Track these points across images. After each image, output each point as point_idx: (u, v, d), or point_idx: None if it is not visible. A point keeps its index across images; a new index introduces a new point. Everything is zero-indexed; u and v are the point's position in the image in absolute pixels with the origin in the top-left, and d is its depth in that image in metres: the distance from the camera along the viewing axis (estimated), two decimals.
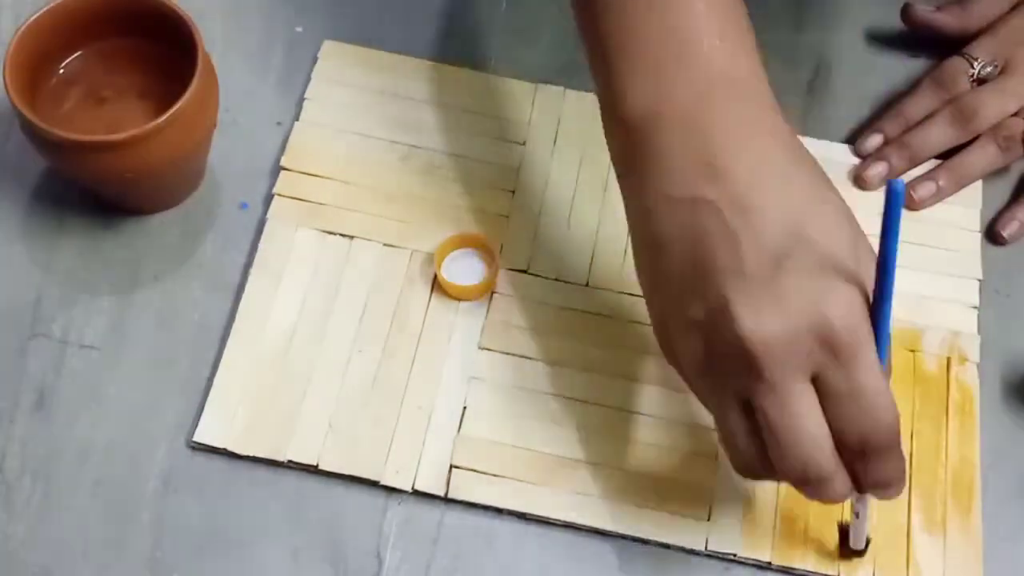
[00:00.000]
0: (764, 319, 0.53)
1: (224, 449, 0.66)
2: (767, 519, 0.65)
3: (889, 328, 0.55)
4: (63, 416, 0.67)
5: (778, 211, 0.54)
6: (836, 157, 0.76)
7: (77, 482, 0.66)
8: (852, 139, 0.77)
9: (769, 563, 0.65)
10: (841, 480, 0.56)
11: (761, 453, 0.56)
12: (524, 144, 0.76)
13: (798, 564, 0.65)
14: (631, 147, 0.59)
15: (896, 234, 0.52)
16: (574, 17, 0.63)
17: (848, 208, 0.57)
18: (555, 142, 0.76)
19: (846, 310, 0.53)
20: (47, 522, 0.65)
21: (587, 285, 0.71)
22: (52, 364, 0.68)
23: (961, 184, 0.75)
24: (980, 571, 0.65)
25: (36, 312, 0.70)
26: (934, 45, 0.79)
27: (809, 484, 0.56)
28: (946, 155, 0.75)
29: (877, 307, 0.54)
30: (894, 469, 0.56)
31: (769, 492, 0.66)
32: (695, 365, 0.57)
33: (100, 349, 0.69)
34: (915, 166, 0.75)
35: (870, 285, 0.55)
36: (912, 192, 0.74)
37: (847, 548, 0.64)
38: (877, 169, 0.75)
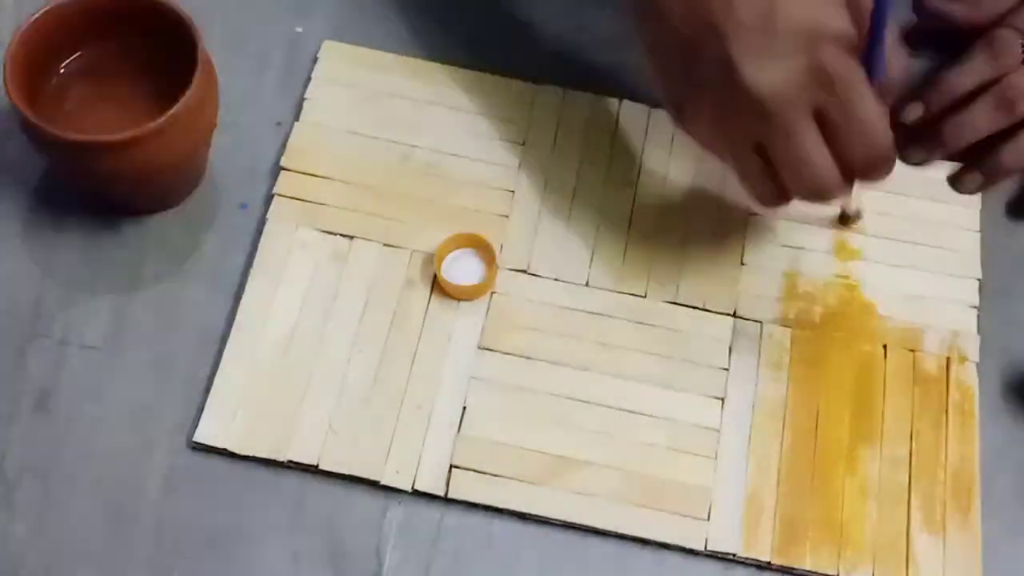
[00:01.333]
0: (765, 67, 0.60)
1: (224, 449, 0.66)
2: (767, 519, 0.65)
3: (884, 49, 0.61)
4: (63, 416, 0.67)
5: None
6: None
7: (77, 482, 0.66)
8: None
9: (769, 563, 0.65)
10: (843, 189, 0.62)
11: (776, 185, 0.63)
12: (524, 144, 0.76)
13: (798, 564, 0.65)
14: None
15: None
16: None
17: None
18: (555, 142, 0.76)
19: (836, 50, 0.59)
20: (47, 522, 0.65)
21: (587, 285, 0.72)
22: (52, 364, 0.68)
23: (1000, 178, 0.74)
24: (980, 571, 0.65)
25: (36, 312, 0.70)
26: (934, 44, 0.79)
27: (818, 198, 0.63)
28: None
29: (873, 31, 0.60)
30: (887, 171, 0.63)
31: (769, 492, 0.66)
32: (709, 123, 0.64)
33: (100, 349, 0.69)
34: (951, 154, 0.74)
35: (863, 12, 0.61)
36: (958, 184, 0.75)
37: (844, 215, 0.73)
38: (914, 156, 0.75)
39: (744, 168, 0.64)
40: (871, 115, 0.60)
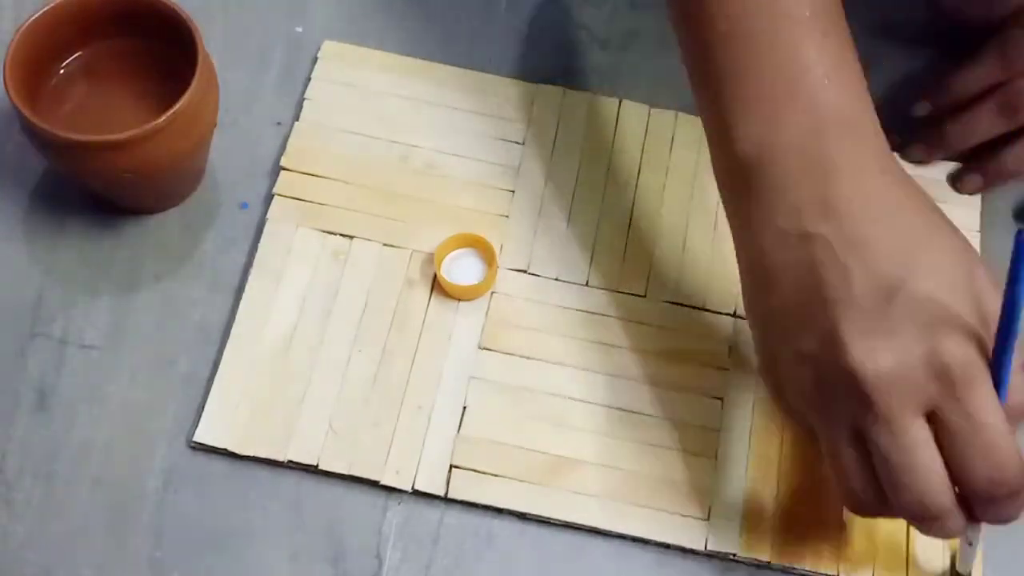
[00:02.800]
0: (876, 350, 0.53)
1: (224, 449, 0.66)
2: (767, 519, 0.65)
3: (1009, 369, 0.54)
4: (63, 416, 0.67)
5: (890, 245, 0.54)
6: None
7: (77, 482, 0.66)
8: None
9: (769, 563, 0.65)
10: (956, 517, 0.55)
11: (875, 487, 0.55)
12: (524, 144, 0.76)
13: (798, 564, 0.65)
14: (742, 180, 0.58)
15: (1022, 281, 0.52)
16: (680, 43, 0.63)
17: (966, 243, 0.57)
18: (555, 142, 0.76)
19: (960, 344, 0.53)
20: (47, 522, 0.65)
21: (587, 285, 0.72)
22: (52, 364, 0.68)
23: (1001, 181, 0.74)
24: (980, 571, 0.65)
25: (36, 312, 0.70)
26: (936, 43, 0.79)
27: (925, 521, 0.55)
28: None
29: (999, 348, 0.53)
30: (1015, 508, 0.55)
31: (769, 492, 0.66)
32: (805, 398, 0.56)
33: (100, 349, 0.69)
34: (953, 155, 0.75)
35: (989, 322, 0.54)
36: (959, 184, 0.74)
37: (955, 573, 0.63)
38: (916, 155, 0.75)
39: (839, 458, 0.55)
40: (997, 427, 0.52)
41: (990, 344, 0.54)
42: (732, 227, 0.61)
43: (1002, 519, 0.55)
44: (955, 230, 0.57)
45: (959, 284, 0.54)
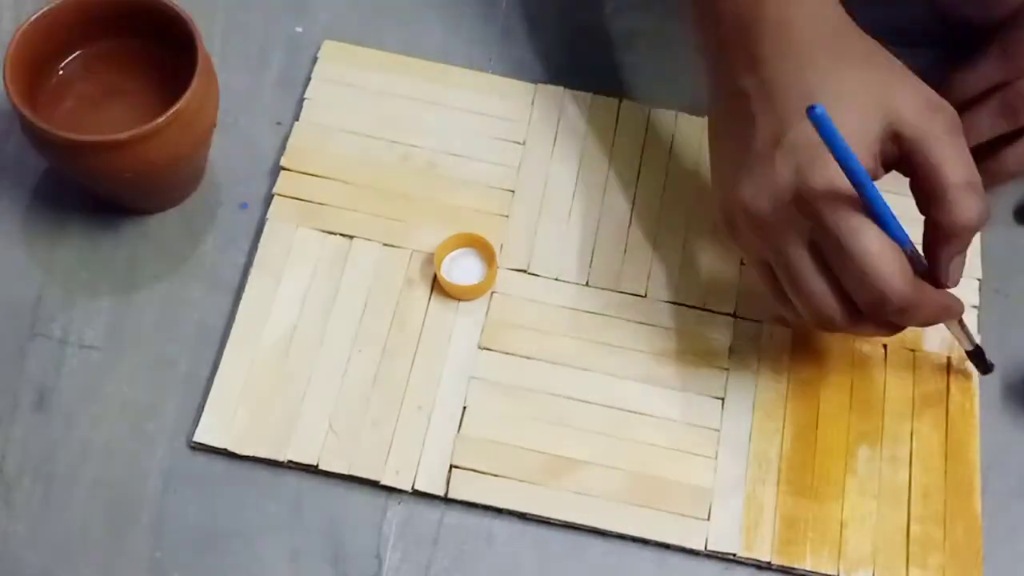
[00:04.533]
0: (756, 193, 0.60)
1: (224, 449, 0.66)
2: (767, 519, 0.65)
3: (880, 204, 0.58)
4: (63, 416, 0.67)
5: (793, 90, 0.60)
6: None
7: (77, 482, 0.66)
8: None
9: (769, 563, 0.65)
10: (850, 324, 0.60)
11: (794, 310, 0.62)
12: (524, 144, 0.76)
13: (798, 564, 0.65)
14: (708, 50, 0.66)
15: (835, 145, 0.56)
16: None
17: (881, 75, 0.60)
18: (555, 142, 0.76)
19: (825, 182, 0.58)
20: (47, 522, 0.65)
21: (587, 285, 0.72)
22: (52, 364, 0.68)
23: (1001, 181, 0.74)
24: (980, 571, 0.65)
25: (36, 312, 0.70)
26: (936, 43, 0.79)
27: (825, 329, 0.62)
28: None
29: (858, 190, 0.58)
30: (911, 319, 0.60)
31: (769, 492, 0.66)
32: (728, 233, 0.64)
33: (100, 349, 0.69)
34: None
35: (904, 137, 0.59)
36: None
37: (973, 357, 0.68)
38: None
39: (764, 284, 0.64)
40: (865, 250, 0.57)
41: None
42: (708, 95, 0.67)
43: (908, 325, 0.61)
44: (874, 63, 0.61)
45: (851, 119, 0.58)
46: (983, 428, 0.68)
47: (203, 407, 0.67)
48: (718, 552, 0.65)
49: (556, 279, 0.72)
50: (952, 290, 0.72)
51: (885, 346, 0.70)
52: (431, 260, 0.71)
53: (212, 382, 0.68)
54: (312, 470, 0.66)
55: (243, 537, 0.65)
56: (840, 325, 0.60)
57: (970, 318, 0.71)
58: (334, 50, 0.78)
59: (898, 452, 0.67)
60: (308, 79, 0.77)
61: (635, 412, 0.68)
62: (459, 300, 0.70)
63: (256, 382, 0.68)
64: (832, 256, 0.58)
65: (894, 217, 0.58)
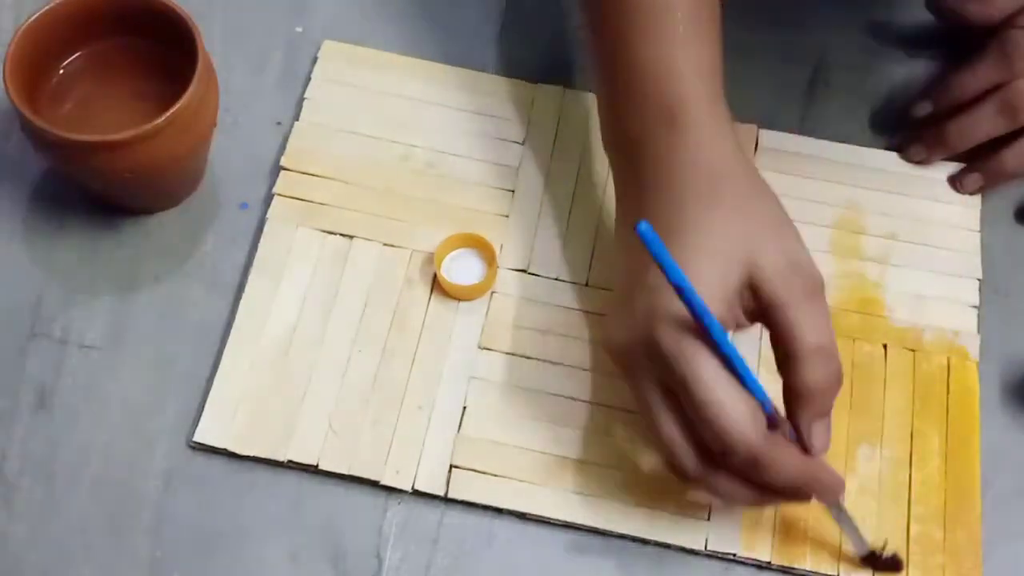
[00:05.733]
0: (615, 331, 0.61)
1: (224, 449, 0.66)
2: (767, 519, 0.65)
3: (731, 353, 0.57)
4: (63, 416, 0.67)
5: (662, 231, 0.57)
6: (834, 156, 0.76)
7: (77, 482, 0.66)
8: (851, 139, 0.77)
9: (769, 563, 0.65)
10: (701, 474, 0.59)
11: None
12: (524, 144, 0.76)
13: (798, 564, 0.65)
14: (614, 170, 0.68)
15: (668, 265, 0.55)
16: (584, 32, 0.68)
17: (752, 225, 0.60)
18: (555, 142, 0.76)
19: (676, 327, 0.57)
20: (47, 522, 0.65)
21: (587, 285, 0.72)
22: (52, 364, 0.68)
23: (1001, 181, 0.75)
24: (980, 571, 0.65)
25: (36, 312, 0.70)
26: (936, 43, 0.79)
27: (678, 475, 0.60)
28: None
29: (715, 347, 0.57)
30: (759, 471, 0.58)
31: None
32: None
33: (100, 349, 0.69)
34: (953, 155, 0.75)
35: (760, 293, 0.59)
36: (959, 184, 0.75)
37: (873, 558, 0.64)
38: (917, 154, 0.75)
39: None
40: (712, 397, 0.56)
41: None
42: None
43: (768, 482, 0.59)
44: (749, 210, 0.61)
45: (709, 269, 0.58)
46: (983, 428, 0.68)
47: (203, 407, 0.67)
48: (718, 552, 0.65)
49: (556, 279, 0.72)
50: (952, 292, 0.72)
51: (885, 346, 0.70)
52: (431, 260, 0.71)
53: (212, 382, 0.68)
54: (312, 470, 0.66)
55: (243, 537, 0.65)
56: (693, 474, 0.59)
57: (970, 318, 0.71)
58: (334, 50, 0.78)
59: (898, 452, 0.67)
60: (308, 79, 0.77)
61: (635, 412, 0.68)
62: (459, 300, 0.70)
63: (256, 382, 0.68)
64: (682, 399, 0.58)
65: (746, 367, 0.57)
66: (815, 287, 0.60)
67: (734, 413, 0.57)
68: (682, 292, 0.55)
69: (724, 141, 0.62)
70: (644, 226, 0.54)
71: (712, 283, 0.58)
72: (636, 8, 0.64)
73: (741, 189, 0.61)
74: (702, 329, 0.56)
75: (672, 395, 0.58)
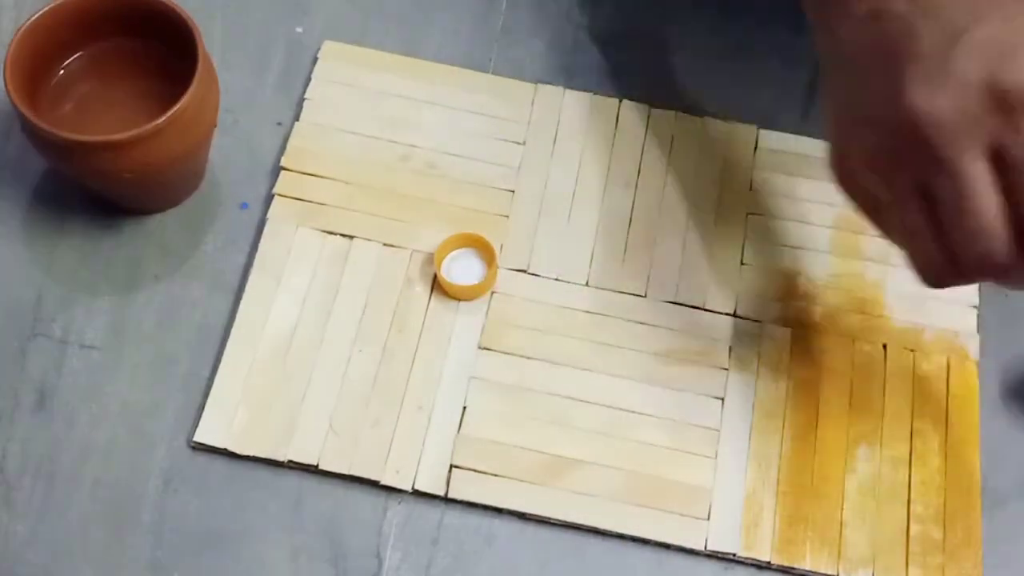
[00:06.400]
0: (934, 92, 0.52)
1: (224, 449, 0.66)
2: (767, 519, 0.65)
3: None
4: (63, 416, 0.67)
5: (958, 3, 0.53)
6: None
7: (77, 482, 0.66)
8: None
9: (769, 563, 0.65)
10: (1014, 261, 0.53)
11: (944, 247, 0.54)
12: (524, 144, 0.76)
13: (798, 564, 0.65)
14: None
15: None
16: None
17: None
18: (555, 142, 0.76)
19: (1020, 72, 0.51)
20: (47, 522, 0.65)
21: (587, 285, 0.72)
22: (52, 364, 0.68)
23: None
24: (980, 571, 0.65)
25: (36, 312, 0.70)
26: None
27: (982, 266, 0.53)
28: None
29: None
30: None
31: (769, 492, 0.66)
32: (872, 163, 0.56)
33: (100, 349, 0.69)
34: None
35: None
36: None
37: None
38: None
39: (906, 222, 0.55)
40: None
41: None
42: (815, 31, 0.60)
43: None
44: None
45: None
46: (983, 428, 0.68)
47: (203, 407, 0.67)
48: (718, 552, 0.65)
49: (556, 279, 0.72)
50: (952, 292, 0.72)
51: (885, 346, 0.70)
52: (431, 260, 0.71)
53: (212, 382, 0.68)
54: (312, 470, 0.66)
55: (243, 537, 0.65)
56: (1000, 260, 0.52)
57: (970, 318, 0.71)
58: (334, 50, 0.78)
59: (898, 452, 0.67)
60: (308, 79, 0.77)
61: (635, 412, 0.68)
62: (459, 300, 0.70)
63: (256, 382, 0.68)
64: (1018, 163, 0.51)
65: None
66: None
67: None
68: None
69: None
70: None
71: None
72: None
73: None
74: None
75: (999, 165, 0.51)
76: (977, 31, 0.52)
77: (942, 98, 0.52)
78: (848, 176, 0.58)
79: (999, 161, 0.52)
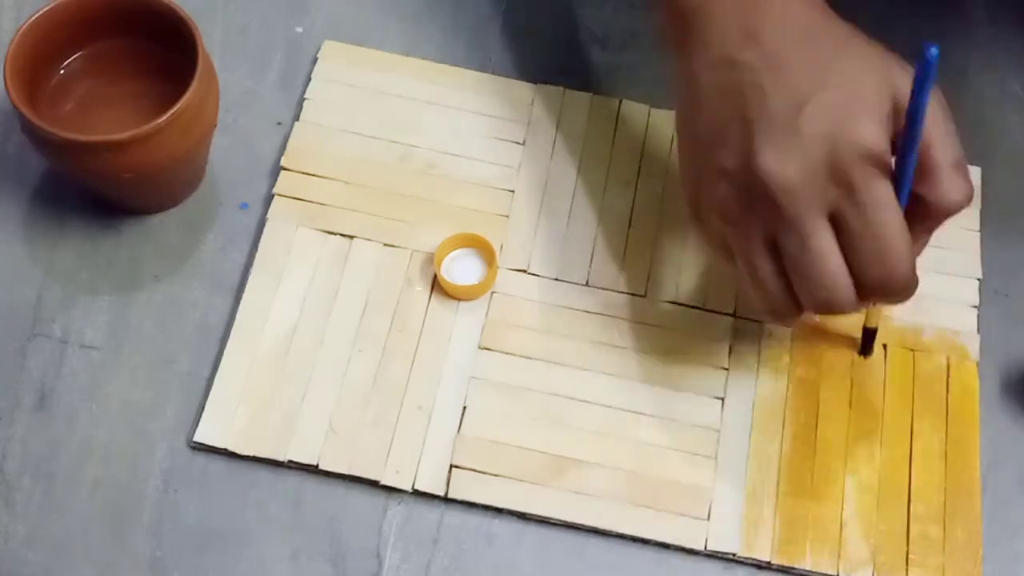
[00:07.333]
0: (782, 158, 0.57)
1: (224, 449, 0.66)
2: (767, 519, 0.65)
3: (911, 175, 0.57)
4: (63, 416, 0.67)
5: (805, 64, 0.58)
6: None
7: (77, 482, 0.66)
8: None
9: (769, 563, 0.65)
10: (854, 306, 0.59)
11: (787, 290, 0.59)
12: (524, 144, 0.76)
13: (798, 564, 0.65)
14: (679, 22, 0.63)
15: (925, 90, 0.55)
16: None
17: (882, 53, 0.59)
18: (555, 142, 0.76)
19: (862, 156, 0.56)
20: (47, 522, 0.65)
21: (587, 285, 0.72)
22: (52, 364, 0.68)
23: None
24: (980, 571, 0.65)
25: (36, 312, 0.70)
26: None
27: (827, 310, 0.59)
28: None
29: (900, 157, 0.57)
30: (904, 296, 0.59)
31: (769, 492, 0.66)
32: (723, 212, 0.60)
33: (100, 349, 0.69)
34: None
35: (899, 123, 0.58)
36: None
37: (865, 339, 0.69)
38: None
39: (753, 269, 0.60)
40: (891, 231, 0.56)
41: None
42: (673, 61, 0.64)
43: (895, 302, 0.60)
44: (869, 47, 0.60)
45: (868, 92, 0.57)
46: (983, 428, 0.68)
47: (203, 407, 0.67)
48: (718, 552, 0.65)
49: (556, 279, 0.72)
50: (952, 292, 0.72)
51: (885, 346, 0.70)
52: (431, 260, 0.71)
53: (212, 382, 0.68)
54: (312, 470, 0.66)
55: (243, 537, 0.65)
56: (844, 305, 0.58)
57: (970, 318, 0.71)
58: (334, 50, 0.78)
59: (898, 452, 0.67)
60: (308, 79, 0.77)
61: (635, 412, 0.68)
62: (459, 300, 0.70)
63: (256, 382, 0.68)
64: (855, 231, 0.56)
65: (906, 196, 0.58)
66: (944, 102, 0.59)
67: (907, 252, 0.57)
68: (920, 106, 0.55)
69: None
70: (936, 51, 0.53)
71: (874, 108, 0.57)
72: None
73: (848, 26, 0.61)
74: (910, 144, 0.56)
75: (838, 226, 0.57)
76: (820, 97, 0.57)
77: (790, 166, 0.57)
78: (700, 217, 0.62)
79: (840, 224, 0.57)
